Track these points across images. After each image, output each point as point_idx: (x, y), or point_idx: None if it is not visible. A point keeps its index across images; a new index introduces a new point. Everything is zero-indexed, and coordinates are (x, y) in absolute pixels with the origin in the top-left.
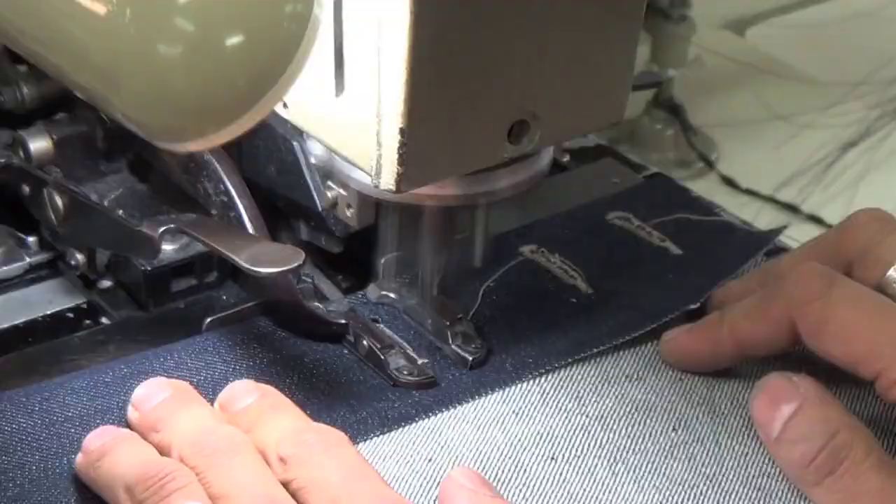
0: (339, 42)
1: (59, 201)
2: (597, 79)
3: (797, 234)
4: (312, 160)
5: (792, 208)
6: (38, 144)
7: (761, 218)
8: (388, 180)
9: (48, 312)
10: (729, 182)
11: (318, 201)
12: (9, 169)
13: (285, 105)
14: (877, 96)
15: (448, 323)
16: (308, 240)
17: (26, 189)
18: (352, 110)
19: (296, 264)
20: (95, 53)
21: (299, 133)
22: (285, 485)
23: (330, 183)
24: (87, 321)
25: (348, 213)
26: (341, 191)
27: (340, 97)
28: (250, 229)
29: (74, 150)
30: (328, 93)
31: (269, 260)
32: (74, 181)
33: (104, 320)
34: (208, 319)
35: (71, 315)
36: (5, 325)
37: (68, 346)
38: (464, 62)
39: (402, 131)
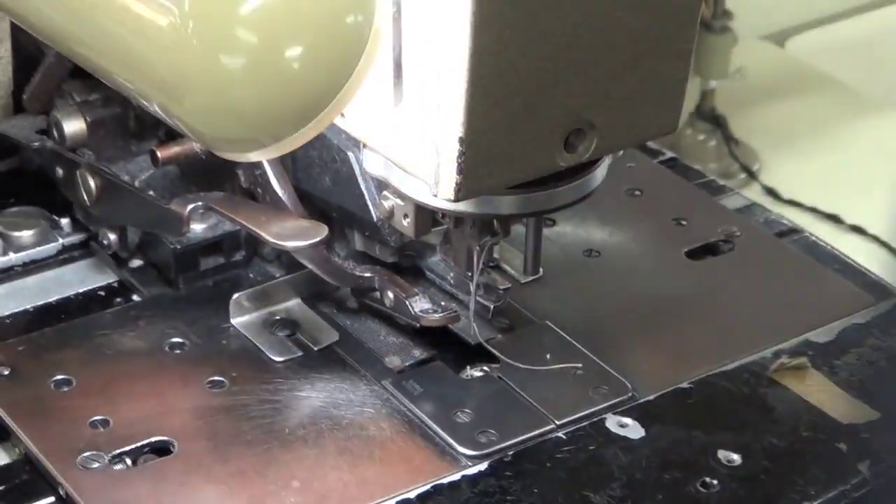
0: (398, 52)
1: (91, 183)
2: (652, 89)
3: (841, 245)
4: (368, 170)
5: (834, 219)
6: (73, 126)
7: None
8: (446, 190)
9: (81, 291)
10: (771, 193)
11: (373, 211)
12: (42, 152)
13: (343, 115)
14: None
15: (469, 275)
16: (362, 249)
17: (60, 171)
18: (410, 120)
19: (319, 238)
20: (159, 66)
21: (354, 143)
22: None
23: (386, 193)
24: (119, 299)
25: (405, 223)
26: (398, 201)
27: (399, 107)
28: (288, 204)
29: (107, 132)
30: (386, 103)
31: (293, 234)
32: (106, 162)
33: (135, 298)
34: (235, 295)
35: (103, 293)
36: (39, 303)
37: (100, 321)
38: (522, 72)
39: (461, 140)
